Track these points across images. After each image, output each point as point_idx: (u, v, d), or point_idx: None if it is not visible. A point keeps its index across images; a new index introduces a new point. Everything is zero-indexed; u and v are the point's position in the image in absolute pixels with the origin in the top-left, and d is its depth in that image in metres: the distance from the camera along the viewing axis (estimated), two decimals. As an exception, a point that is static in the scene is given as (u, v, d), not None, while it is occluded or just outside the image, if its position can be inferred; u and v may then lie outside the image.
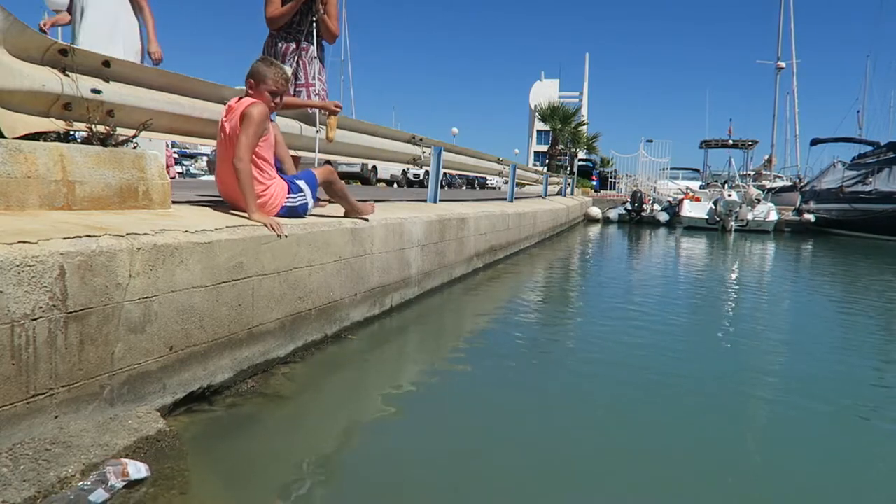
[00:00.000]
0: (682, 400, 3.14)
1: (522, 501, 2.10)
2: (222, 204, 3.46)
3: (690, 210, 19.33)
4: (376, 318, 4.27)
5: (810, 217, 19.40)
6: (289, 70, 3.26)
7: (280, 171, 3.40)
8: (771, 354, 4.27)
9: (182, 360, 2.46)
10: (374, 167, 20.58)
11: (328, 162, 4.98)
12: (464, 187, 28.21)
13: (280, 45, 4.09)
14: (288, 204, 3.33)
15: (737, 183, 20.89)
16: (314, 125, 4.40)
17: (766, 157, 34.67)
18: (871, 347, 4.60)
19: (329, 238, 3.55)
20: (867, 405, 3.20)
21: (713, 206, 18.69)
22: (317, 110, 4.23)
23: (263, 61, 3.22)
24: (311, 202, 3.47)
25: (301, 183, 3.41)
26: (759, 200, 18.55)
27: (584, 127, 32.98)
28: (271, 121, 3.42)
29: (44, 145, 2.40)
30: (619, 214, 21.94)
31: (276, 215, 3.28)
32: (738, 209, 17.78)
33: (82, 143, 2.72)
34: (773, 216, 18.50)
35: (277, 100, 3.21)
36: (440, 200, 7.00)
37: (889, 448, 2.68)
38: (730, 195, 17.80)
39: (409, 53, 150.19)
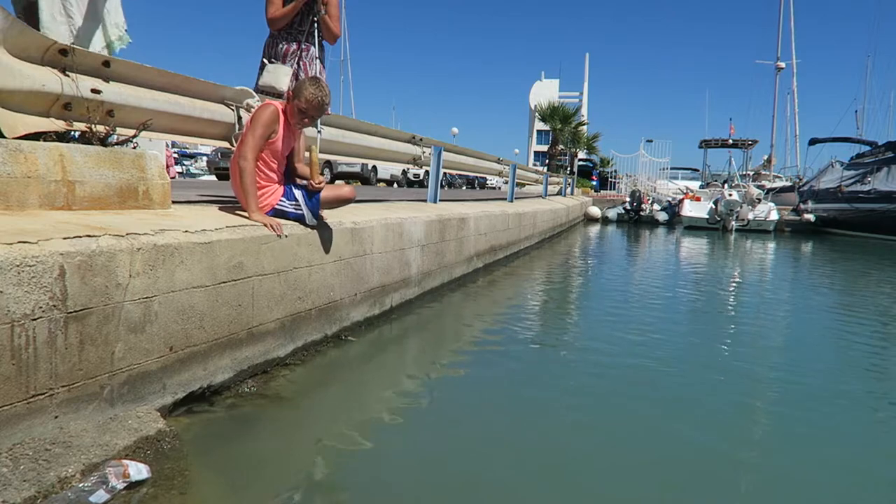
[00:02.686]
0: (684, 405, 3.14)
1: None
2: (222, 204, 3.46)
3: (691, 210, 19.32)
4: (376, 318, 4.27)
5: (810, 217, 19.41)
6: (329, 100, 3.22)
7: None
8: (776, 360, 4.26)
9: (182, 360, 2.46)
10: (374, 167, 20.55)
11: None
12: (464, 187, 28.20)
13: (281, 45, 4.09)
14: (278, 206, 3.28)
15: (737, 183, 20.87)
16: (315, 125, 4.40)
17: (766, 157, 34.67)
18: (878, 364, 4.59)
19: (329, 238, 3.54)
20: (868, 417, 3.20)
21: (713, 206, 18.67)
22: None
23: (312, 81, 3.19)
24: (307, 213, 3.32)
25: (299, 193, 3.32)
26: (759, 200, 18.56)
27: (584, 127, 32.94)
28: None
29: (44, 145, 2.40)
30: (618, 214, 21.94)
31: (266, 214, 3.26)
32: (738, 209, 17.77)
33: (82, 143, 2.72)
34: (774, 216, 18.50)
35: (306, 120, 3.21)
36: (440, 200, 7.00)
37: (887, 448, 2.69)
38: (731, 195, 17.79)
39: (409, 53, 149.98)
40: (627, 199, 22.32)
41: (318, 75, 4.18)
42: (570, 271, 8.76)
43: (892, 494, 2.27)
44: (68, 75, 2.70)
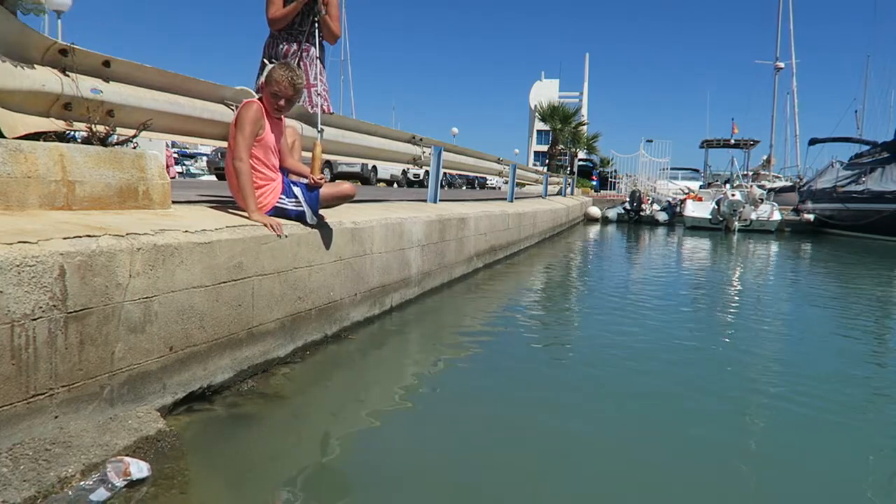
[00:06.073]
0: (686, 401, 3.13)
1: (522, 501, 2.10)
2: (222, 204, 3.45)
3: (693, 210, 19.29)
4: (376, 318, 4.27)
5: (810, 217, 19.42)
6: (300, 79, 3.21)
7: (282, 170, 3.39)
8: (781, 357, 4.26)
9: (182, 360, 2.46)
10: (374, 167, 20.55)
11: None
12: (464, 187, 28.20)
13: (281, 45, 4.08)
14: (279, 205, 3.28)
15: (738, 183, 20.84)
16: (315, 125, 4.40)
17: (765, 157, 34.63)
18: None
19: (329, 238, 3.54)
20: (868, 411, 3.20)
21: (716, 206, 18.64)
22: (318, 111, 4.22)
23: (280, 64, 3.20)
24: (307, 210, 3.34)
25: (298, 190, 3.33)
26: (762, 200, 18.55)
27: (584, 127, 32.92)
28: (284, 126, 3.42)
29: (44, 145, 2.40)
30: (618, 214, 21.94)
31: (266, 214, 3.26)
32: (741, 209, 17.76)
33: (82, 142, 2.73)
34: (777, 216, 18.50)
35: (281, 102, 3.19)
36: (440, 200, 7.00)
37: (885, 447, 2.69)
38: (734, 195, 17.78)
39: (409, 53, 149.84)
40: (627, 200, 22.31)
41: (320, 74, 4.18)
42: (570, 271, 8.75)
43: (893, 488, 2.27)
44: (68, 75, 2.70)
